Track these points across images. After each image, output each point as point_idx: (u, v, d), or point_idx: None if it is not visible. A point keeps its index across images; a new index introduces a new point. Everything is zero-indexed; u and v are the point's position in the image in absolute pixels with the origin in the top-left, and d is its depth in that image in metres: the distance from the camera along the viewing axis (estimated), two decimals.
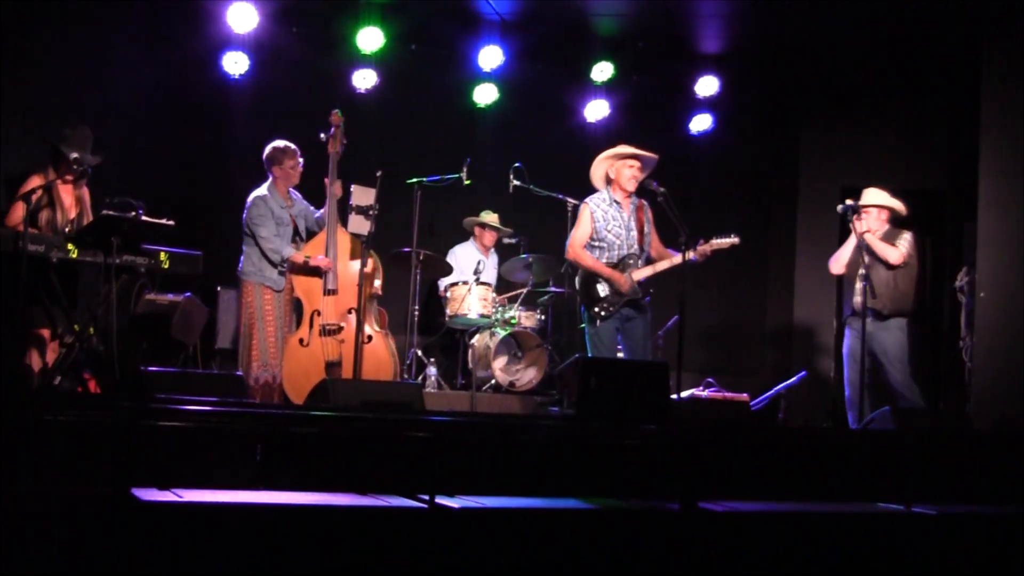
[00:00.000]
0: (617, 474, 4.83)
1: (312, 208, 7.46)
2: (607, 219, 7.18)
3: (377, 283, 7.38)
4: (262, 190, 7.27)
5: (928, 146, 9.89)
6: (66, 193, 6.89)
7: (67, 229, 6.77)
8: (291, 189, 7.39)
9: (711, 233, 7.16)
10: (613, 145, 7.38)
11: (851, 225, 7.48)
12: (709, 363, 9.70)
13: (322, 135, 7.29)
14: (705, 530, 4.39)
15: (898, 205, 7.57)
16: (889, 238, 7.48)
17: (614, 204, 7.22)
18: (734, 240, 7.16)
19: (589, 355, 7.14)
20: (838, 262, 7.64)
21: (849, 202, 7.45)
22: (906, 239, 7.47)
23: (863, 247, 7.37)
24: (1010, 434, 6.93)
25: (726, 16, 9.00)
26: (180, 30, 8.65)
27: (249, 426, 4.26)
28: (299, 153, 7.38)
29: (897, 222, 7.60)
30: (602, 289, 7.09)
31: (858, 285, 7.40)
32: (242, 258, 7.26)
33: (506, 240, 9.45)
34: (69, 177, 6.79)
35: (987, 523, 4.90)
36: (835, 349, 8.73)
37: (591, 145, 7.66)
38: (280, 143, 7.35)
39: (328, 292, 7.15)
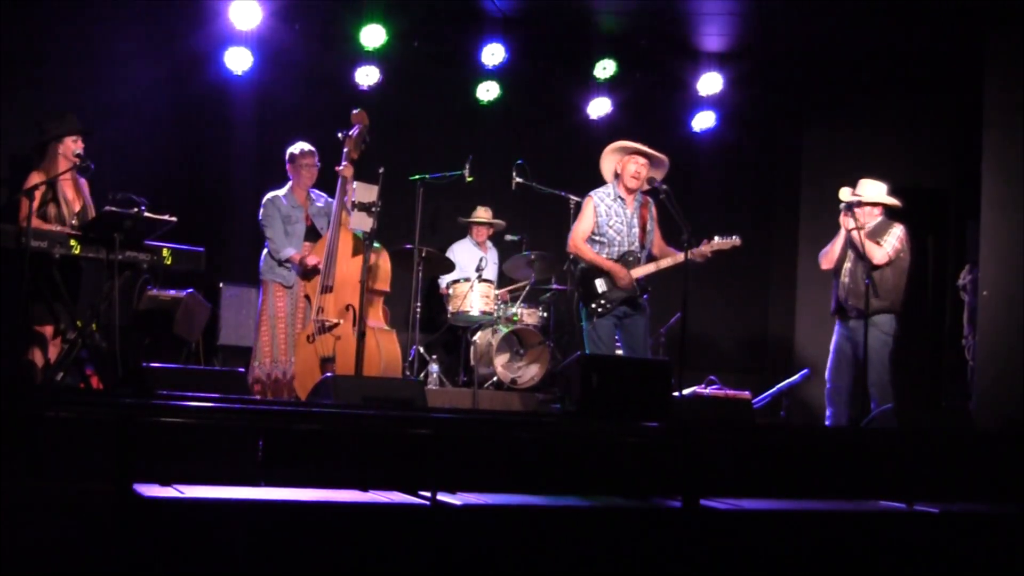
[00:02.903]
0: (619, 472, 4.83)
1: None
2: (610, 214, 7.17)
3: (383, 280, 7.37)
4: (278, 190, 7.44)
5: (931, 144, 9.88)
6: (67, 186, 6.91)
7: (73, 222, 6.79)
8: (312, 189, 7.48)
9: (713, 231, 7.15)
10: (617, 141, 7.36)
11: (840, 220, 7.48)
12: (711, 361, 9.69)
13: (340, 133, 7.29)
14: (707, 528, 4.39)
15: (893, 202, 7.53)
16: (880, 231, 7.41)
17: (618, 199, 7.21)
18: (735, 241, 7.12)
19: (587, 352, 7.14)
20: (827, 257, 7.63)
21: (851, 198, 7.43)
22: (895, 234, 7.41)
23: (850, 244, 7.39)
24: (1012, 432, 6.93)
25: (729, 14, 8.98)
26: (182, 27, 8.65)
27: (251, 422, 4.26)
28: (316, 154, 7.44)
29: (890, 214, 7.56)
30: (600, 285, 7.09)
31: (844, 280, 7.41)
32: (261, 259, 7.37)
33: (507, 237, 9.46)
34: (77, 162, 6.79)
35: (989, 522, 4.89)
36: None
37: (593, 142, 7.65)
38: (298, 144, 7.53)
39: (325, 289, 7.16)
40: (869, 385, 7.28)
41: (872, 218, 7.47)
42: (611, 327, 7.12)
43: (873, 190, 7.50)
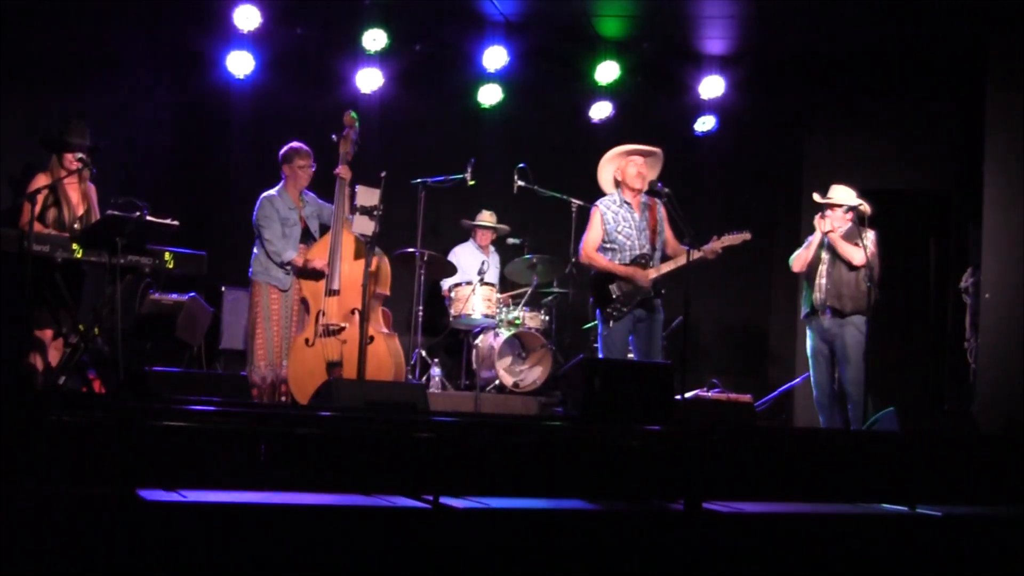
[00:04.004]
0: (621, 475, 4.83)
1: (328, 205, 7.45)
2: (617, 220, 7.16)
3: (384, 284, 7.36)
4: (272, 191, 7.32)
5: (933, 147, 9.86)
6: (72, 190, 6.91)
7: (75, 226, 6.79)
8: (305, 190, 7.43)
9: (715, 234, 7.15)
10: (617, 146, 7.37)
11: (815, 223, 7.52)
12: (713, 364, 9.69)
13: (334, 136, 7.29)
14: (709, 531, 4.39)
15: (864, 206, 7.53)
16: (852, 236, 7.43)
17: (624, 205, 7.21)
18: (745, 236, 7.13)
19: (600, 356, 7.13)
20: (800, 261, 7.64)
21: (820, 200, 7.47)
22: (870, 238, 7.42)
23: (827, 246, 7.41)
24: (1015, 435, 6.93)
25: (731, 17, 8.98)
26: (185, 30, 8.66)
27: (253, 426, 4.26)
28: (312, 156, 7.40)
29: (861, 220, 7.55)
30: (614, 290, 7.07)
31: (821, 281, 7.42)
32: (252, 258, 7.30)
33: (509, 240, 9.45)
34: (79, 167, 6.79)
35: (992, 524, 4.89)
36: None
37: (595, 146, 7.65)
38: (294, 144, 7.42)
39: (330, 293, 7.15)
40: (845, 384, 7.33)
41: (844, 223, 7.49)
42: (626, 332, 7.10)
43: (844, 195, 7.52)
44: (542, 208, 9.17)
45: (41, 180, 6.77)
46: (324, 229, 7.45)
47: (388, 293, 7.40)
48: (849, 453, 5.46)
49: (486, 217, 9.32)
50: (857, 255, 7.32)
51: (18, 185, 7.28)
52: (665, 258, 7.21)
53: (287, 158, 7.39)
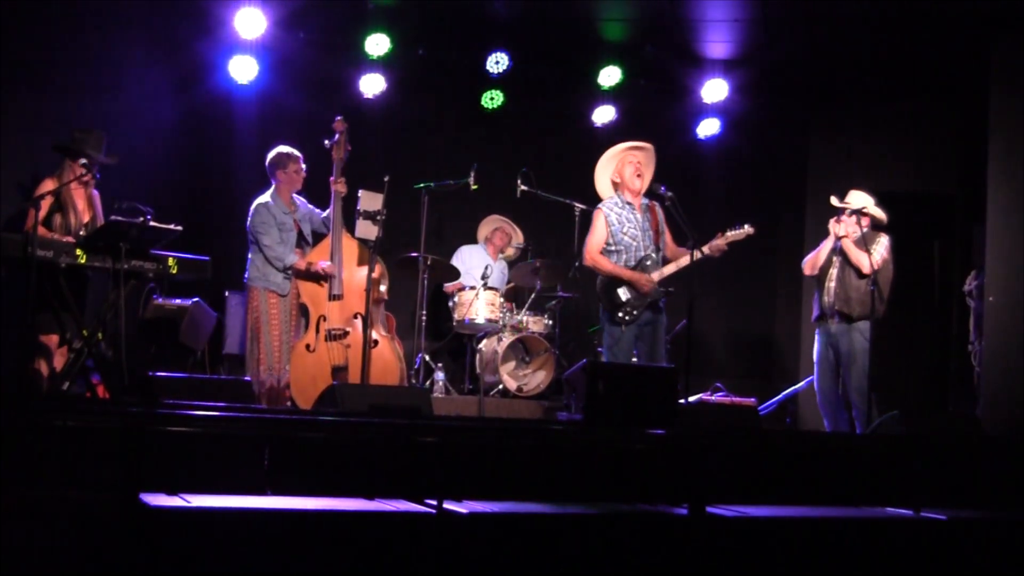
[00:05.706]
0: (625, 479, 4.82)
1: (317, 210, 7.47)
2: (622, 222, 7.15)
3: (383, 287, 7.37)
4: (265, 197, 7.28)
5: (937, 149, 9.86)
6: (79, 196, 6.91)
7: (81, 233, 6.79)
8: (295, 194, 7.40)
9: (719, 231, 7.14)
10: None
11: (830, 226, 7.51)
12: (717, 367, 9.68)
13: (326, 141, 7.30)
14: (713, 535, 4.38)
15: (880, 214, 7.51)
16: (865, 241, 7.42)
17: (627, 206, 7.20)
18: (748, 230, 7.11)
19: (606, 360, 7.12)
20: (812, 263, 7.63)
21: (837, 204, 7.46)
22: (883, 243, 7.42)
23: (839, 250, 7.40)
24: (1019, 438, 6.91)
25: (734, 21, 8.98)
26: (188, 36, 8.67)
27: (257, 431, 4.26)
28: (302, 158, 7.39)
29: (877, 227, 7.53)
30: (623, 294, 7.05)
31: (831, 285, 7.41)
32: (247, 264, 7.28)
33: (514, 243, 9.46)
34: (82, 172, 6.80)
35: (997, 528, 4.87)
36: None
37: (598, 150, 7.66)
38: (284, 148, 7.36)
39: (333, 297, 7.15)
40: (848, 390, 7.32)
41: (858, 228, 7.47)
42: (632, 337, 7.09)
43: (861, 200, 7.52)
44: (545, 212, 9.18)
45: (48, 185, 6.78)
46: (314, 234, 7.45)
47: (386, 297, 7.41)
48: (853, 457, 5.45)
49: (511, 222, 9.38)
50: (865, 262, 7.29)
51: (26, 191, 7.28)
52: (666, 261, 7.20)
53: (280, 164, 7.34)
